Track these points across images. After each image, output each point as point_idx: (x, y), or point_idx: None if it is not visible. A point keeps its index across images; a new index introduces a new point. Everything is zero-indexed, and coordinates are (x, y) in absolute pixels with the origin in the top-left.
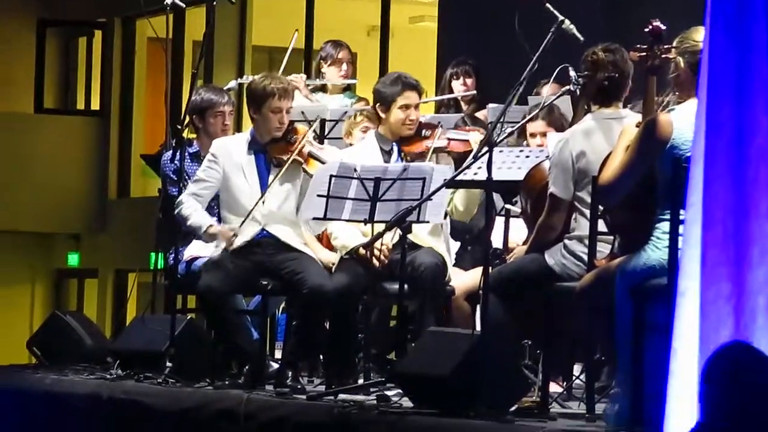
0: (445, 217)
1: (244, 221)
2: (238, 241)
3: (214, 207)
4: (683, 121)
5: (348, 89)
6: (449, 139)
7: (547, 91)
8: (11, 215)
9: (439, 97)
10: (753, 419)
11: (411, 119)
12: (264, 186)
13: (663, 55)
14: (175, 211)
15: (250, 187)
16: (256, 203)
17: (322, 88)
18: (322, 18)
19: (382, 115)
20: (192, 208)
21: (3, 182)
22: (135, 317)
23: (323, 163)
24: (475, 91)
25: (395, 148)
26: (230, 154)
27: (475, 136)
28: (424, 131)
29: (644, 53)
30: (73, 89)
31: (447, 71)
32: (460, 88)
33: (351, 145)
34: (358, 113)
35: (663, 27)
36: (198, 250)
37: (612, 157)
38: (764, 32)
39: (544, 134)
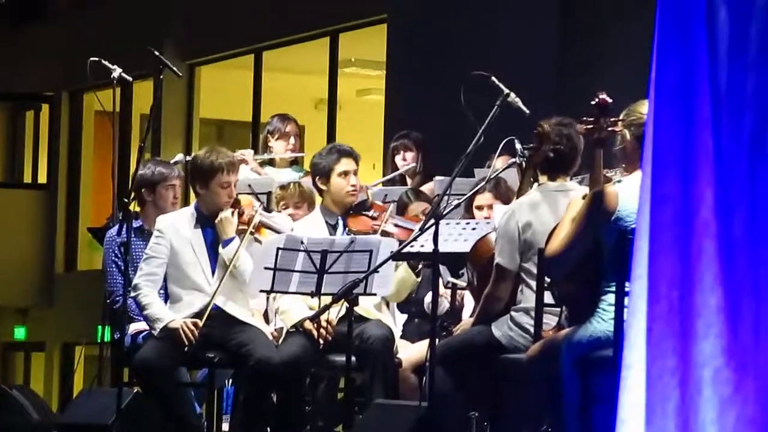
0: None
1: (205, 313)
2: (186, 313)
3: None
4: (628, 193)
5: (295, 163)
6: (396, 225)
7: (498, 164)
8: None
9: (386, 178)
10: None
11: (352, 185)
12: (213, 259)
13: (609, 128)
14: (133, 295)
15: (199, 262)
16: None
17: (270, 162)
18: (269, 91)
19: (323, 187)
20: (150, 296)
21: None
22: (81, 390)
23: (276, 231)
24: (414, 164)
25: (341, 222)
26: (177, 229)
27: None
28: (372, 212)
29: (591, 126)
30: (20, 162)
31: (390, 146)
32: (401, 162)
33: None
34: (290, 186)
35: (609, 100)
36: (143, 324)
37: (558, 229)
38: (708, 106)
39: (491, 206)
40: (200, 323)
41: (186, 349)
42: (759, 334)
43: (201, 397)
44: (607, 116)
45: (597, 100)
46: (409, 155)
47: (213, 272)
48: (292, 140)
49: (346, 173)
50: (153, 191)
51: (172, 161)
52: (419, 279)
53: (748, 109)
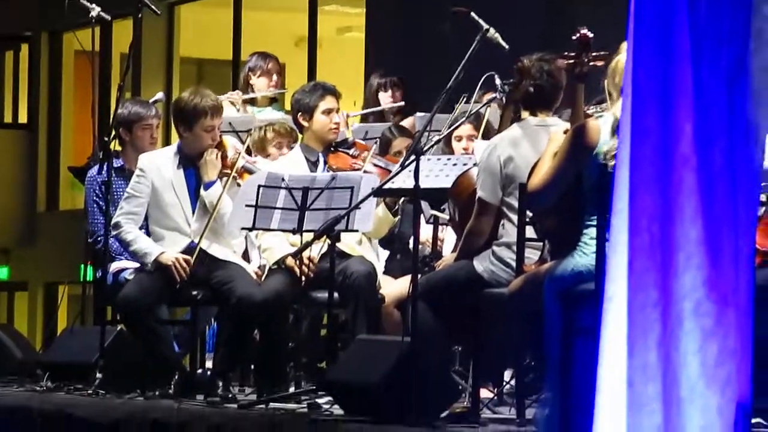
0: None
1: (197, 245)
2: (168, 258)
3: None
4: (606, 129)
5: (275, 101)
6: (375, 165)
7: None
8: None
9: (367, 111)
10: None
11: (335, 122)
12: (194, 200)
13: (591, 63)
14: (114, 233)
15: (180, 202)
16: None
17: (251, 101)
18: (249, 29)
19: (305, 124)
20: (133, 231)
21: None
22: (64, 329)
23: None
24: (403, 103)
25: (321, 159)
26: (158, 168)
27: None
28: (353, 150)
29: (572, 61)
30: (0, 103)
31: (372, 81)
32: (387, 99)
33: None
34: (268, 129)
35: (590, 35)
36: (125, 262)
37: (540, 164)
38: (687, 40)
39: (470, 137)
40: (191, 259)
41: (177, 285)
42: (739, 266)
43: (184, 336)
44: (588, 51)
45: (578, 35)
46: (398, 93)
47: (193, 213)
48: (274, 77)
49: (329, 111)
50: (130, 131)
51: (151, 100)
52: (396, 218)
53: (726, 43)
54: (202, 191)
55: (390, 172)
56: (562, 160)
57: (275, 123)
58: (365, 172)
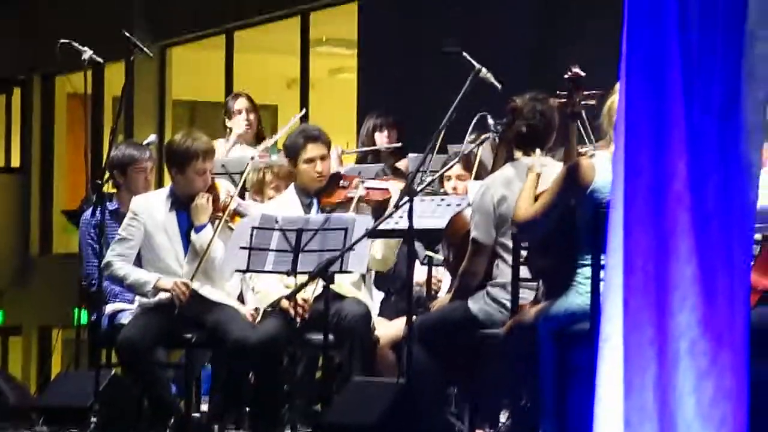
0: (368, 270)
1: (192, 279)
2: (167, 283)
3: None
4: (604, 166)
5: (263, 139)
6: (368, 189)
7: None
8: None
9: (362, 149)
10: None
11: (317, 171)
12: (186, 243)
13: (583, 102)
14: (106, 273)
15: (172, 245)
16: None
17: (237, 142)
18: (241, 71)
19: (293, 170)
20: (126, 267)
21: None
22: (59, 373)
23: None
24: (400, 144)
25: (315, 201)
26: (151, 211)
27: (394, 185)
28: (342, 182)
29: (564, 99)
30: None
31: (368, 122)
32: (384, 140)
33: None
34: (267, 171)
35: (582, 74)
36: (120, 304)
37: (521, 196)
38: (679, 78)
39: (459, 177)
40: (191, 284)
41: (177, 310)
42: (734, 305)
43: (179, 379)
44: (581, 90)
45: (570, 73)
46: (394, 133)
47: (185, 256)
48: (243, 115)
49: (312, 159)
50: (124, 174)
51: (144, 142)
52: (400, 239)
53: (718, 81)
54: (192, 235)
55: (384, 190)
56: (554, 195)
57: (274, 165)
58: (360, 198)
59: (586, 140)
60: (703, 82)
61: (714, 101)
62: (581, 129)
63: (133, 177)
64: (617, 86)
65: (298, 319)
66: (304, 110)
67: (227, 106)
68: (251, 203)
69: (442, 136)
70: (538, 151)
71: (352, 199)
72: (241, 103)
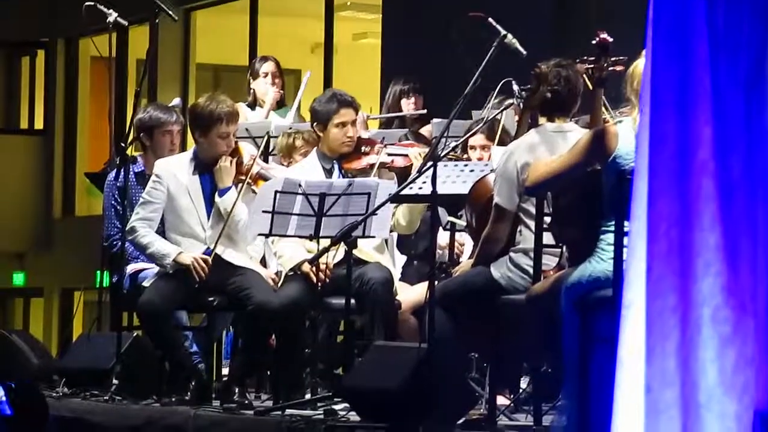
0: (390, 232)
1: (212, 251)
2: (187, 258)
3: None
4: (627, 133)
5: (283, 105)
6: (389, 155)
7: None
8: None
9: (387, 115)
10: None
11: (348, 136)
12: (209, 206)
13: (610, 68)
14: (130, 238)
15: (195, 208)
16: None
17: (253, 106)
18: (265, 35)
19: (320, 134)
20: (150, 235)
21: None
22: (81, 335)
23: None
24: (425, 111)
25: (336, 166)
26: (174, 174)
27: (415, 151)
28: (363, 147)
29: (591, 65)
30: (16, 108)
31: (394, 88)
32: (410, 106)
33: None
34: (297, 136)
35: (610, 39)
36: (141, 264)
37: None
38: (705, 46)
39: (483, 147)
40: (209, 260)
41: (197, 285)
42: (757, 272)
43: (200, 343)
44: (608, 56)
45: (597, 39)
46: (420, 100)
47: (209, 219)
48: (269, 79)
49: (344, 124)
50: (151, 136)
51: (170, 104)
52: (424, 205)
53: (744, 48)
54: (216, 198)
55: (406, 155)
56: (573, 157)
57: (304, 131)
58: (384, 164)
59: (610, 107)
60: (729, 50)
61: (740, 69)
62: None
63: (160, 140)
64: (643, 52)
65: (320, 284)
66: (309, 72)
67: (254, 67)
68: (274, 166)
69: (465, 101)
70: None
71: (373, 165)
72: (268, 66)
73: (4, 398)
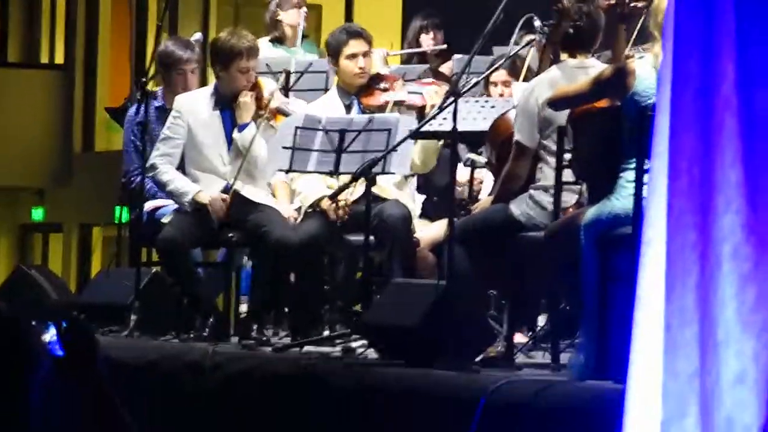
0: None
1: (232, 186)
2: (205, 197)
3: None
4: (647, 70)
5: (306, 37)
6: (408, 92)
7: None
8: None
9: (407, 51)
10: None
11: (360, 67)
12: (230, 142)
13: (632, 4)
14: (150, 174)
15: (215, 143)
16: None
17: (280, 41)
18: None
19: (335, 68)
20: (170, 172)
21: None
22: (100, 271)
23: None
24: (445, 45)
25: (355, 102)
26: (194, 110)
27: (432, 89)
28: (383, 83)
29: (613, 1)
30: (36, 43)
31: (415, 23)
32: (429, 42)
33: None
34: None
35: None
36: (160, 201)
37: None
38: None
39: (505, 83)
40: (228, 198)
41: (215, 224)
42: None
43: (218, 278)
44: None
45: None
46: (439, 35)
47: (229, 155)
48: (303, 10)
49: (354, 55)
50: (166, 73)
51: (192, 39)
52: (440, 142)
53: None
54: (235, 133)
55: (421, 95)
56: (592, 84)
57: None
58: (399, 102)
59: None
60: None
61: (765, 6)
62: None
63: (174, 78)
64: None
65: (339, 221)
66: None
67: None
68: (294, 101)
69: (487, 37)
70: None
71: (389, 102)
72: None
73: (55, 338)
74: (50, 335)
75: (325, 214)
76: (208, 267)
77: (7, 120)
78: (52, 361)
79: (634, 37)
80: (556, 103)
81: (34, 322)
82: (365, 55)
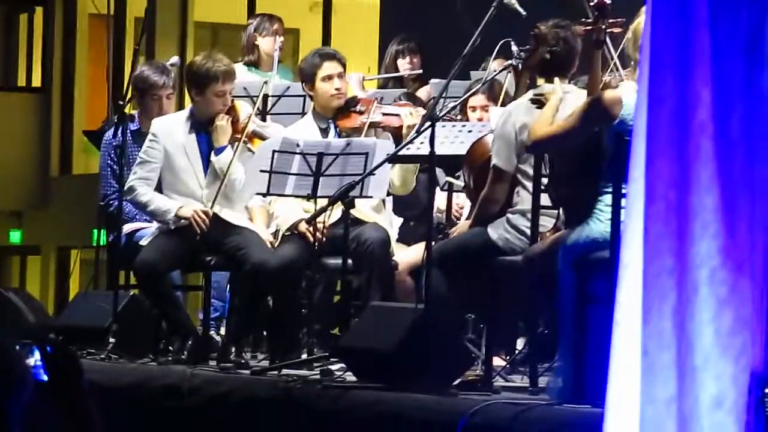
0: (387, 194)
1: (213, 202)
2: (188, 211)
3: None
4: (630, 96)
5: (279, 63)
6: (383, 114)
7: (493, 66)
8: None
9: (384, 75)
10: None
11: (336, 88)
12: (206, 165)
13: (608, 30)
14: (129, 197)
15: (192, 167)
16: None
17: (255, 65)
18: None
19: (310, 93)
20: (149, 193)
21: None
22: (77, 294)
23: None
24: (421, 71)
25: (332, 126)
26: (171, 133)
27: (406, 110)
28: (359, 106)
29: (589, 27)
30: (14, 66)
31: (391, 48)
32: (406, 66)
33: None
34: None
35: (608, 1)
36: (138, 224)
37: (541, 116)
38: (705, 5)
39: (484, 108)
40: (211, 212)
41: (198, 237)
42: (755, 234)
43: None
44: (606, 18)
45: (595, 1)
46: (416, 59)
47: (205, 178)
48: (279, 39)
49: (329, 77)
50: (141, 98)
51: (168, 63)
52: (417, 165)
53: (744, 8)
54: (212, 157)
55: (398, 116)
56: (574, 123)
57: None
58: (374, 124)
59: (615, 67)
60: (729, 11)
61: (740, 30)
62: (611, 56)
63: (149, 103)
64: (643, 9)
65: (317, 244)
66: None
67: (262, 25)
68: (270, 125)
69: (464, 62)
70: (557, 80)
71: (365, 124)
72: (278, 26)
73: (40, 362)
74: (34, 359)
75: (303, 237)
76: (187, 290)
77: None
78: (35, 385)
79: (614, 62)
80: (539, 146)
81: (17, 346)
82: (340, 76)
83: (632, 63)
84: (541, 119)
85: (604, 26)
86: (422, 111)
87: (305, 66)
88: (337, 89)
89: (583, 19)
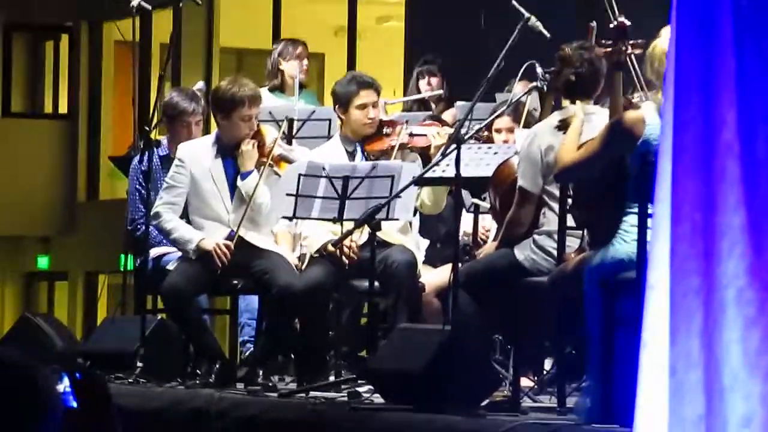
0: (414, 214)
1: (236, 234)
2: (209, 244)
3: None
4: (652, 116)
5: (304, 87)
6: (409, 135)
7: (517, 88)
8: None
9: (405, 98)
10: None
11: (370, 118)
12: (232, 190)
13: (628, 51)
14: (154, 223)
15: (219, 192)
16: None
17: (280, 89)
18: (289, 19)
19: (342, 117)
20: (174, 220)
21: None
22: (105, 318)
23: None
24: (441, 91)
25: (359, 149)
26: (197, 158)
27: (433, 130)
28: (386, 129)
29: (609, 49)
30: (40, 93)
31: (415, 71)
32: (425, 87)
33: None
34: None
35: (628, 23)
36: (164, 248)
37: (566, 140)
38: (730, 28)
39: (509, 130)
40: (231, 245)
41: (218, 270)
42: None
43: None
44: (626, 39)
45: (616, 23)
46: (435, 81)
47: (232, 202)
48: (304, 62)
49: (364, 105)
50: (170, 123)
51: (194, 88)
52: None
53: None
54: (238, 181)
55: (426, 136)
56: (598, 147)
57: None
58: (402, 145)
59: (641, 88)
60: (753, 32)
61: (764, 52)
62: (637, 77)
63: (178, 129)
64: (661, 31)
65: (346, 261)
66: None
67: (283, 47)
68: (296, 148)
69: (489, 84)
70: (578, 102)
71: (394, 147)
72: (302, 50)
73: (69, 389)
74: (64, 386)
75: (331, 258)
76: (215, 313)
77: (11, 169)
78: (65, 412)
79: (640, 83)
80: (566, 173)
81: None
82: (374, 105)
83: (651, 82)
84: (566, 145)
85: (624, 48)
86: (449, 130)
87: (340, 90)
88: (370, 119)
89: (603, 41)
